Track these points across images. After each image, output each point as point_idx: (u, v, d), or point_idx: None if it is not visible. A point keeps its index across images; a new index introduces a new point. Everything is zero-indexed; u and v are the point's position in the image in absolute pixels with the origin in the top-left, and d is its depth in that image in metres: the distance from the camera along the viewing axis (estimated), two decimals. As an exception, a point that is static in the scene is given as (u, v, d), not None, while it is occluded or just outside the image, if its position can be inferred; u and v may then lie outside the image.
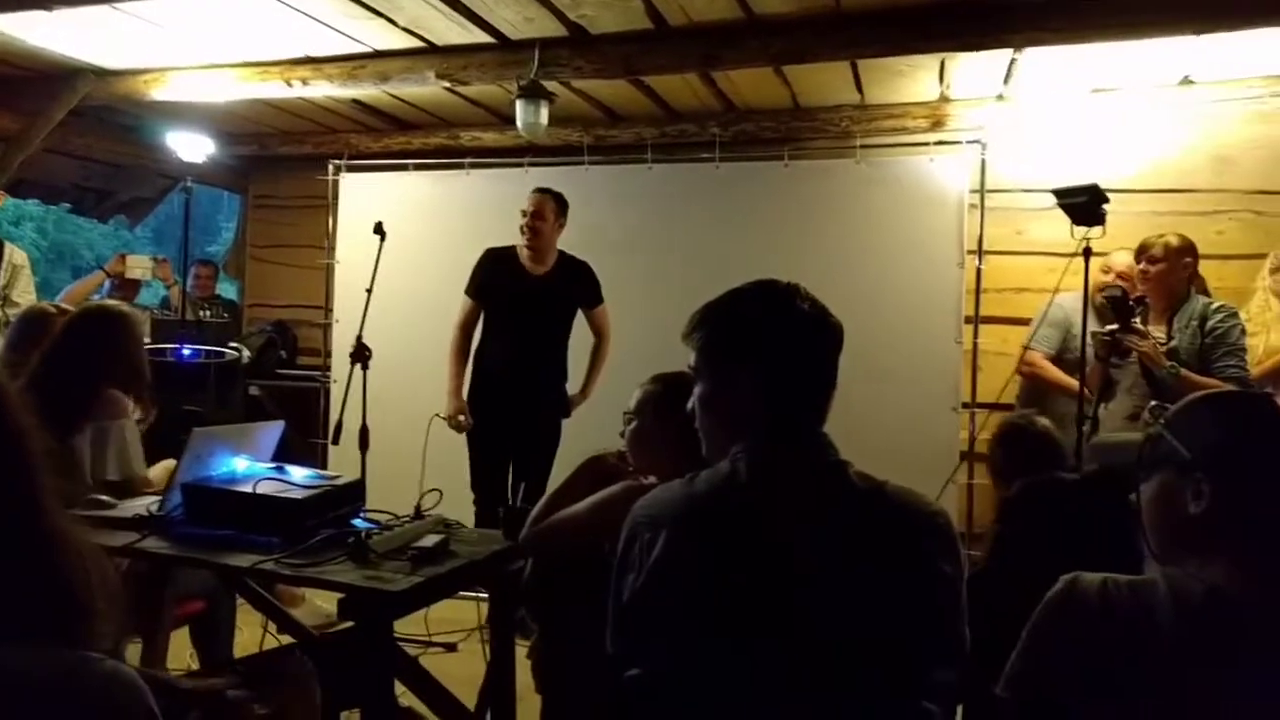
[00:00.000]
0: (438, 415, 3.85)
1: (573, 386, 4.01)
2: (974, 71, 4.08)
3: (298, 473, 2.50)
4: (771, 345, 1.36)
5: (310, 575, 2.04)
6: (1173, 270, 3.36)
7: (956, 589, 1.30)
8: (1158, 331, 3.32)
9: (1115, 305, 3.26)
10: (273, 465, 2.56)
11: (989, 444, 2.86)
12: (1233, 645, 1.17)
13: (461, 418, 3.88)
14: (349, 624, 2.05)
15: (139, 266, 5.19)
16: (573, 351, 4.03)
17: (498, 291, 3.94)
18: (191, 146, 5.01)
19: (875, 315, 4.11)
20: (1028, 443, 2.66)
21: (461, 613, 3.50)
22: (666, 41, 3.69)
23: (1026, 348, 3.95)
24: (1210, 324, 3.26)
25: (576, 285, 3.98)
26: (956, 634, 1.31)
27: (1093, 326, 3.36)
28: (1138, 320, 3.30)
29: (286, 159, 5.83)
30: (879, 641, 1.26)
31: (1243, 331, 3.29)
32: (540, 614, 2.25)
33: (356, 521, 2.42)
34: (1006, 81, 4.18)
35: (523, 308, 3.91)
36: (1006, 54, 3.75)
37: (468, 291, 3.98)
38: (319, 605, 3.26)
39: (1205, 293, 3.48)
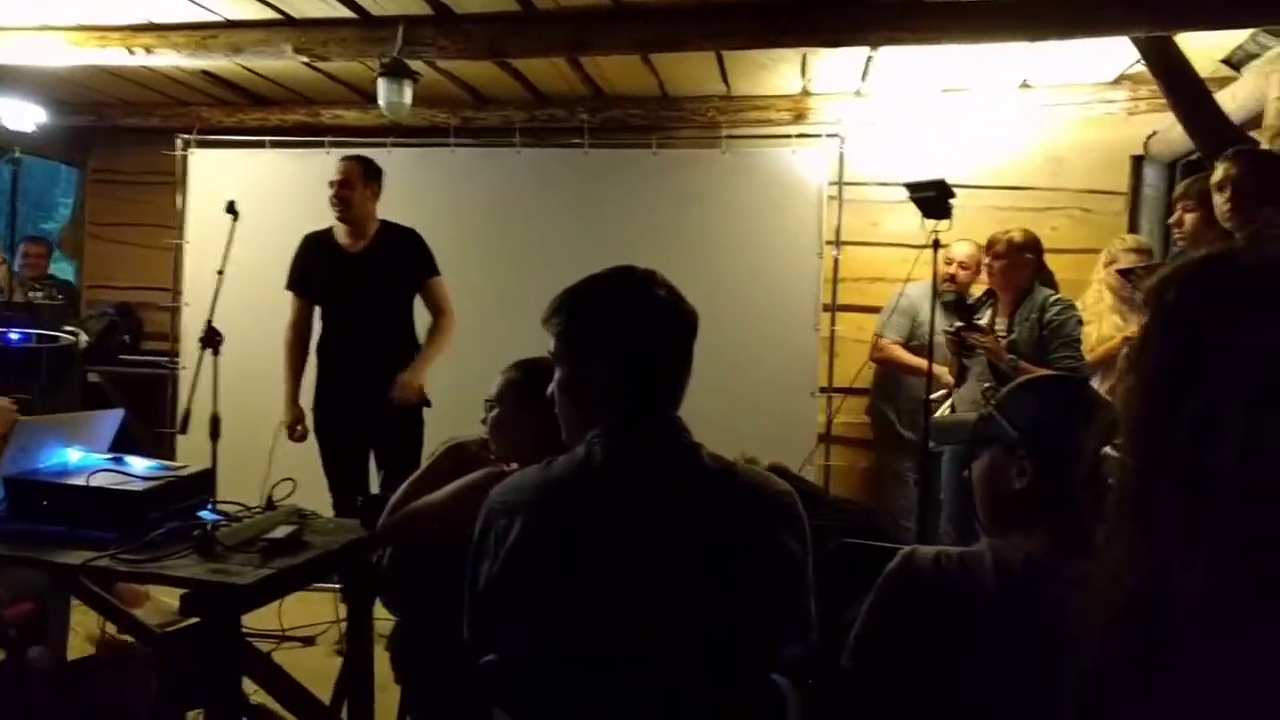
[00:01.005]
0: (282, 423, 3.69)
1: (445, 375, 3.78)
2: (833, 67, 4.22)
3: (138, 464, 2.37)
4: (626, 331, 1.38)
5: (150, 570, 1.94)
6: (1015, 265, 3.56)
7: (804, 567, 1.35)
8: (1004, 323, 3.53)
9: (956, 306, 3.45)
10: (110, 456, 2.42)
11: None
12: (1048, 610, 1.26)
13: (299, 427, 3.68)
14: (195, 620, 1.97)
15: None
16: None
17: (317, 277, 3.72)
18: (19, 114, 4.64)
19: (738, 302, 4.21)
20: None
21: (319, 605, 3.40)
22: (534, 24, 3.65)
23: (878, 335, 4.13)
24: (1048, 316, 3.46)
25: (401, 256, 3.70)
26: (804, 610, 1.36)
27: (939, 315, 3.53)
28: (982, 317, 3.50)
29: (130, 131, 5.47)
30: (732, 620, 1.30)
31: (1079, 323, 3.49)
32: (399, 603, 2.22)
33: (204, 514, 2.32)
34: (864, 78, 4.34)
35: (344, 288, 3.66)
36: (863, 52, 3.89)
37: (289, 286, 3.76)
38: (164, 603, 3.09)
39: (1053, 286, 3.69)
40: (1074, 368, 3.34)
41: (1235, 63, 3.71)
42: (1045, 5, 3.15)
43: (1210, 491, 0.40)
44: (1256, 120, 3.37)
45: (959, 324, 3.40)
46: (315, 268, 3.74)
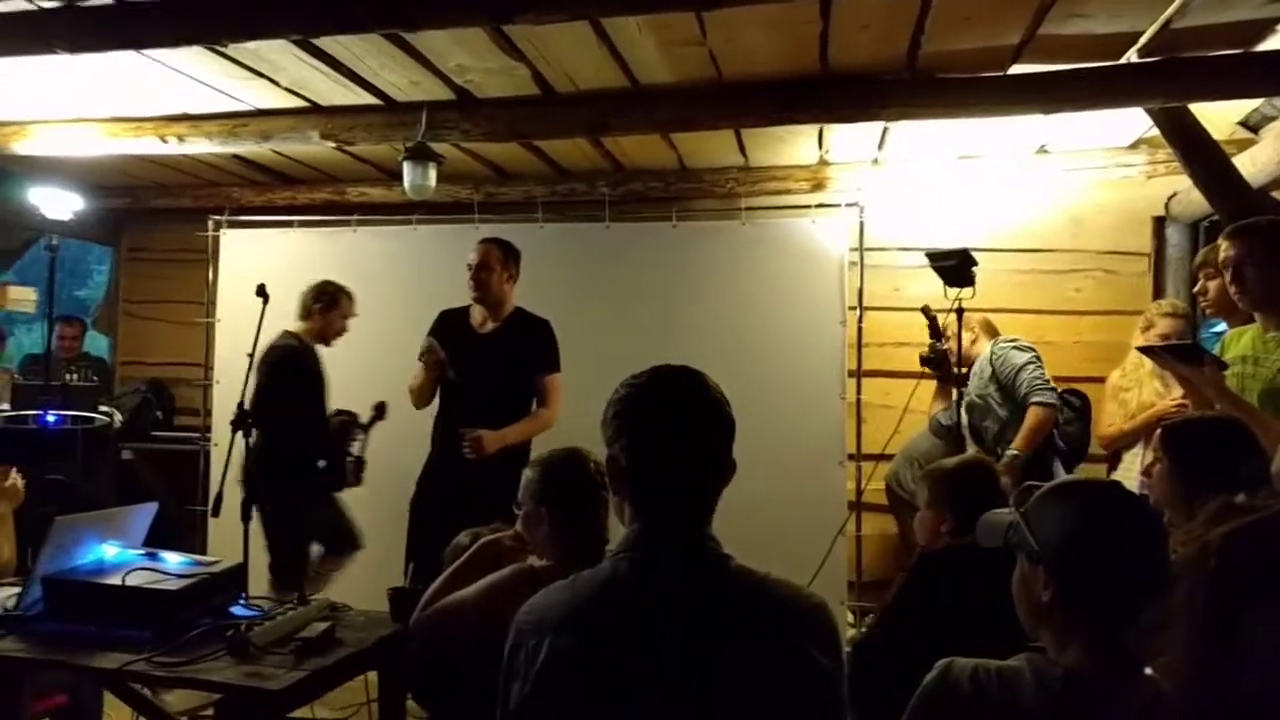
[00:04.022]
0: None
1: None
2: (850, 138, 4.27)
3: (172, 559, 2.40)
4: (636, 450, 1.36)
5: (185, 675, 1.95)
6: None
7: (836, 682, 1.33)
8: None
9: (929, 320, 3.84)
10: (144, 551, 2.45)
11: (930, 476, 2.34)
12: (1089, 723, 1.24)
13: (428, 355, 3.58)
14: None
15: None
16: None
17: (445, 353, 3.63)
18: (57, 203, 4.76)
19: (762, 371, 4.20)
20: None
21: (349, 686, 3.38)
22: (554, 107, 3.74)
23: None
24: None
25: (525, 346, 3.61)
26: (838, 726, 1.34)
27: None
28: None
29: (162, 211, 5.63)
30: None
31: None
32: (430, 700, 2.21)
33: (236, 609, 2.34)
34: (880, 148, 4.39)
35: (464, 370, 3.57)
36: (879, 123, 3.94)
37: (420, 357, 3.69)
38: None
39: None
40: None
41: (1252, 125, 3.73)
42: (1057, 80, 3.18)
43: None
44: (1278, 181, 3.37)
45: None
46: (444, 343, 3.66)
